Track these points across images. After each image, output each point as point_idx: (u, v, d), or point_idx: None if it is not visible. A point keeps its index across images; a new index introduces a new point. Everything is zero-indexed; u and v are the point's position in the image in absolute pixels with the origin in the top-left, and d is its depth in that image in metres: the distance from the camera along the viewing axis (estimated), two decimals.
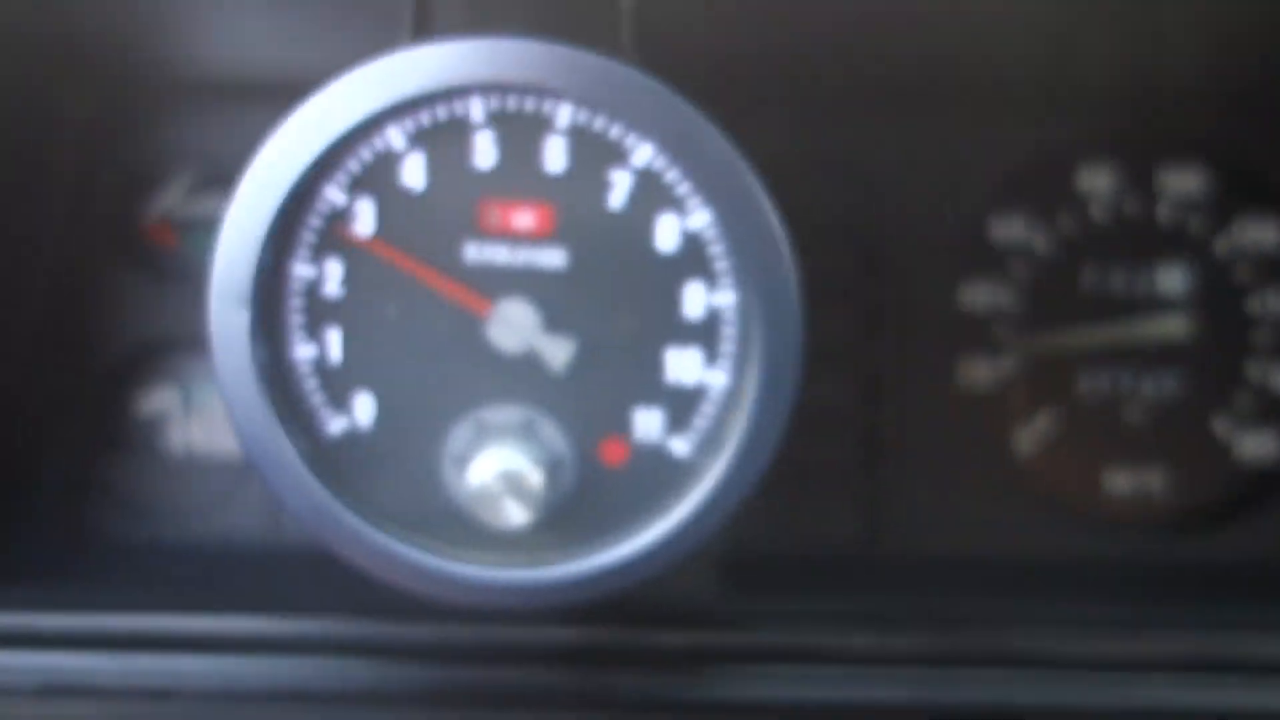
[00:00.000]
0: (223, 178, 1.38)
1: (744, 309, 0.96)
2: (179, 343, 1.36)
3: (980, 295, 1.39)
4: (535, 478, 0.95)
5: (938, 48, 1.26)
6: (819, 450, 1.36)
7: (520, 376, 0.98)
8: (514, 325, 0.96)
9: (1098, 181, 1.39)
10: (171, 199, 1.40)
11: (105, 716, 1.02)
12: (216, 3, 1.19)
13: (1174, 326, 1.36)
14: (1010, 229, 1.39)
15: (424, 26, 0.88)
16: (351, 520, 0.96)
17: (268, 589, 1.15)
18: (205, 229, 1.40)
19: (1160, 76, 1.33)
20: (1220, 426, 1.38)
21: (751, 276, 0.93)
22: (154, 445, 1.36)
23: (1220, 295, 1.38)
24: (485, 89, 0.89)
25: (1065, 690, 1.06)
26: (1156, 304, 1.37)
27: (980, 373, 1.39)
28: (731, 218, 0.92)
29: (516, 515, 0.95)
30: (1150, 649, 1.08)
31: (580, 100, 0.90)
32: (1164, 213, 1.38)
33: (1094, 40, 1.24)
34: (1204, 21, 1.19)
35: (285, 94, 0.93)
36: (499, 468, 0.95)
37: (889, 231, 1.38)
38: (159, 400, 1.38)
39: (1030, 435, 1.39)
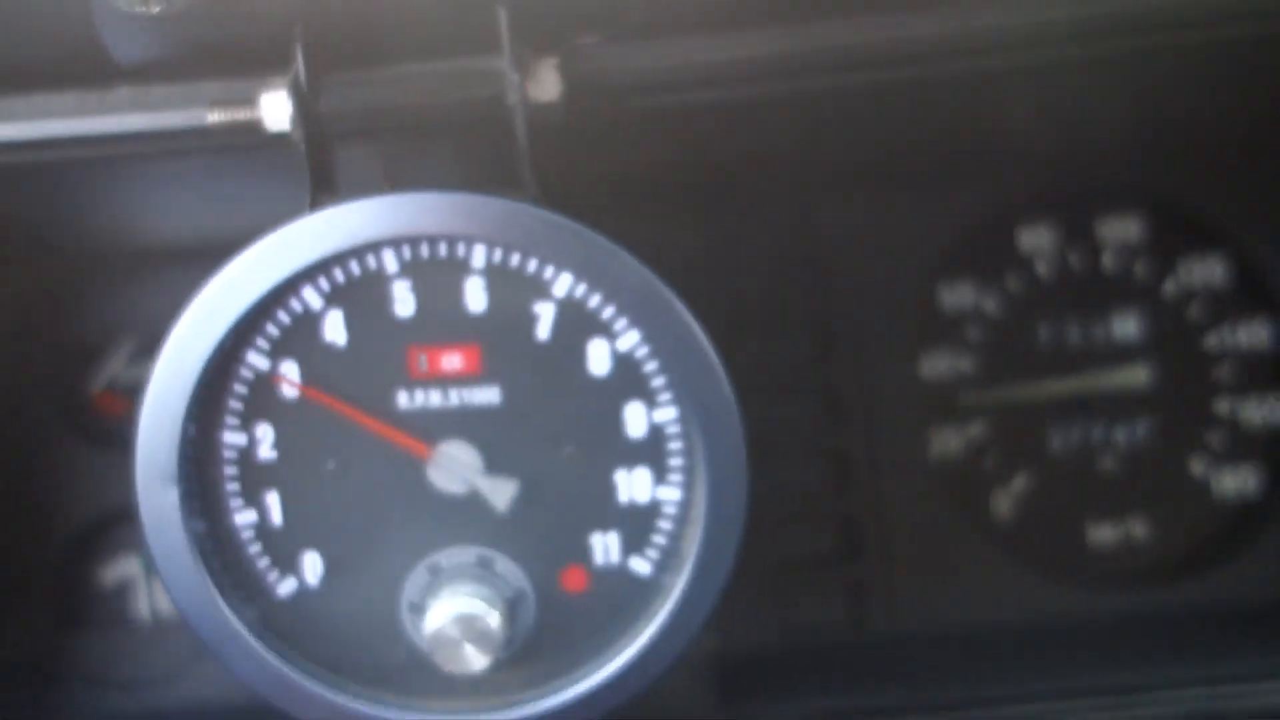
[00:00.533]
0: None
1: (685, 423, 0.95)
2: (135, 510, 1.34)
3: (940, 364, 1.38)
4: (493, 619, 0.93)
5: (865, 125, 1.26)
6: (797, 541, 1.33)
7: (470, 517, 0.96)
8: (455, 467, 0.95)
9: (1040, 239, 1.38)
10: (116, 367, 1.39)
11: None
12: (146, 176, 1.19)
13: (1135, 374, 1.35)
14: (960, 295, 1.39)
15: (323, 187, 0.87)
16: (307, 683, 0.94)
17: None
18: None
19: (1088, 132, 1.33)
20: (1197, 466, 1.36)
21: (686, 392, 0.91)
22: (119, 615, 1.34)
23: (1177, 336, 1.37)
24: (397, 242, 0.89)
25: None
26: (1115, 353, 1.36)
27: (950, 441, 1.37)
28: (657, 337, 0.91)
29: (476, 660, 0.93)
30: (1150, 714, 1.05)
31: (492, 243, 0.89)
32: (1109, 262, 1.38)
33: (1020, 103, 1.24)
34: (1123, 78, 1.19)
35: (221, 256, 0.92)
36: (454, 613, 0.93)
37: (840, 311, 1.37)
38: (121, 569, 1.36)
39: (1008, 497, 1.37)
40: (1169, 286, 1.37)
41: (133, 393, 1.37)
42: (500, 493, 0.94)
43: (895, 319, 1.37)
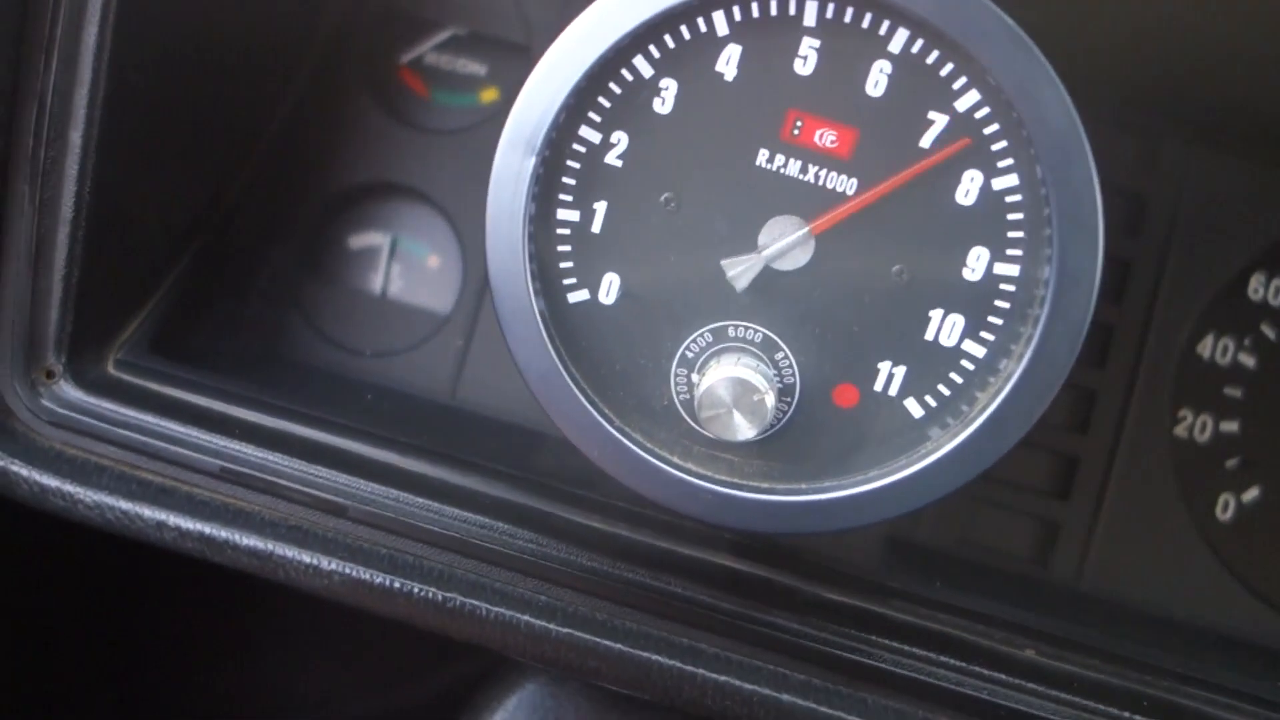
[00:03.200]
0: (486, 40, 1.40)
1: (1025, 285, 0.91)
2: (403, 190, 1.37)
3: (1222, 349, 1.32)
4: (769, 398, 0.92)
5: (1246, 79, 1.18)
6: (1017, 464, 1.30)
7: (775, 299, 0.95)
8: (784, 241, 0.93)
9: None
10: (431, 50, 1.40)
11: (278, 514, 1.03)
12: None
13: None
14: (1271, 290, 1.31)
15: None
16: (573, 391, 0.95)
17: (450, 441, 1.14)
18: (456, 86, 1.41)
19: None
20: None
21: (1056, 250, 0.87)
22: (355, 282, 1.37)
23: None
24: None
25: None
26: None
27: (1200, 427, 1.32)
28: (1050, 184, 0.86)
29: (743, 429, 0.93)
30: None
31: (923, 26, 0.85)
32: None
33: None
34: None
35: None
36: (734, 377, 0.92)
37: (1148, 257, 1.31)
38: (369, 239, 1.39)
39: (1235, 504, 1.31)
40: None
41: (439, 78, 1.40)
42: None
43: (1197, 286, 1.30)
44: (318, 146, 1.37)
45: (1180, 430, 1.32)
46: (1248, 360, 1.31)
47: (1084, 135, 0.84)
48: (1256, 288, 1.32)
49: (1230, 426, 1.32)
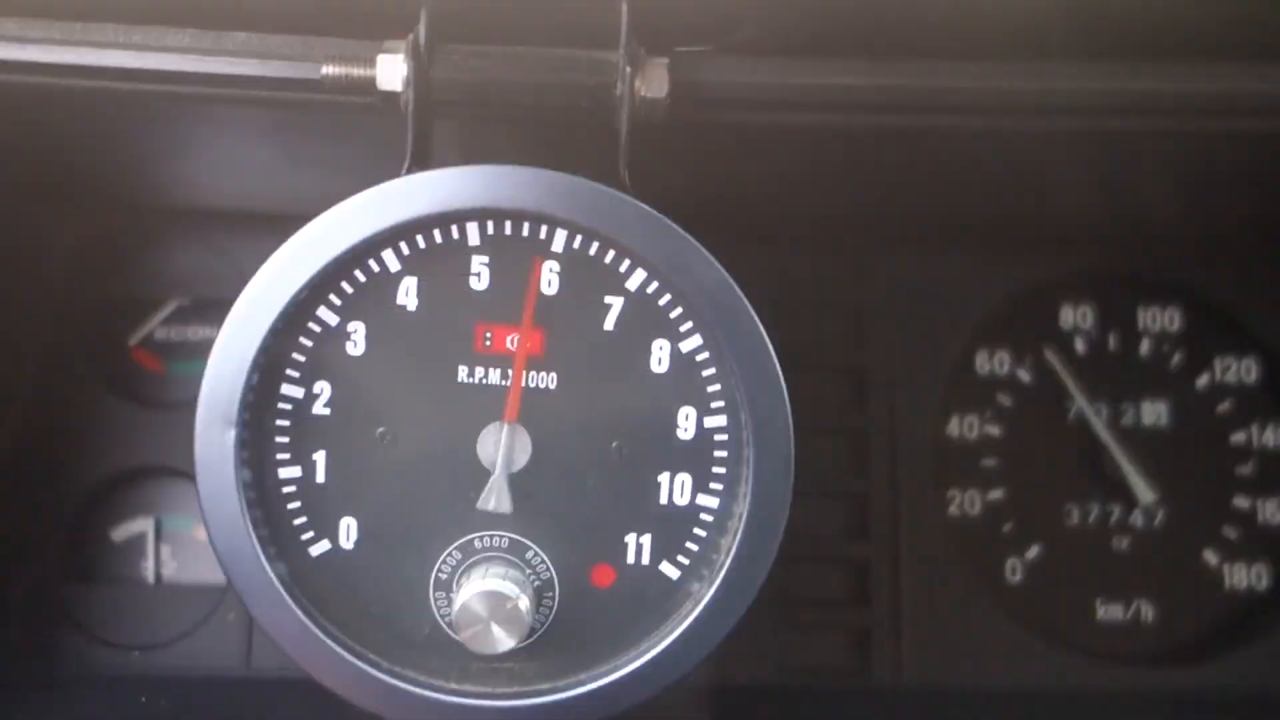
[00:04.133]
0: (211, 304, 1.41)
1: (735, 432, 0.96)
2: (155, 470, 1.35)
3: (968, 426, 1.40)
4: (523, 602, 0.93)
5: (926, 187, 1.29)
6: (808, 581, 1.34)
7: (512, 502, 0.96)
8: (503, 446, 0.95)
9: (1081, 317, 1.41)
10: (159, 325, 1.40)
11: None
12: (211, 134, 1.21)
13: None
14: (996, 361, 1.41)
15: (421, 159, 0.89)
16: (330, 646, 0.94)
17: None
18: (191, 355, 1.41)
19: (1139, 219, 1.37)
20: (1211, 558, 1.37)
21: (743, 399, 0.93)
22: (125, 574, 1.33)
23: (1204, 430, 1.39)
24: (483, 214, 0.91)
25: None
26: (1142, 437, 1.38)
27: (970, 503, 1.38)
28: (723, 341, 0.92)
29: (503, 641, 0.93)
30: None
31: (575, 226, 0.91)
32: (1146, 349, 1.40)
33: (1075, 182, 1.28)
34: (1177, 167, 1.23)
35: (276, 224, 0.94)
36: (485, 591, 0.93)
37: (877, 362, 1.39)
38: (132, 528, 1.36)
39: (1021, 565, 1.38)
40: (1201, 381, 1.40)
41: (173, 352, 1.40)
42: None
43: (930, 377, 1.39)
44: (58, 449, 1.34)
45: (953, 510, 1.39)
46: (994, 430, 1.40)
47: (739, 294, 0.90)
48: (982, 364, 1.41)
49: (996, 494, 1.39)
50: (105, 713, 1.13)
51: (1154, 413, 1.39)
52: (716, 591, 0.95)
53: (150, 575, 1.35)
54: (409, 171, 0.90)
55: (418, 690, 0.94)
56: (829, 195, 1.25)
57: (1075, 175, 1.21)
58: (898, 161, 1.14)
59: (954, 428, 1.40)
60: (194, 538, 1.36)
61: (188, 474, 1.33)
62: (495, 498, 0.94)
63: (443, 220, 0.91)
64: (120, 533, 1.36)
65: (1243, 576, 1.37)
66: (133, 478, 1.36)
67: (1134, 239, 1.40)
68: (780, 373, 0.92)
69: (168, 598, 1.34)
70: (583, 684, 0.96)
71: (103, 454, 1.35)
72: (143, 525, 1.37)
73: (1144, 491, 1.34)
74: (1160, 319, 1.41)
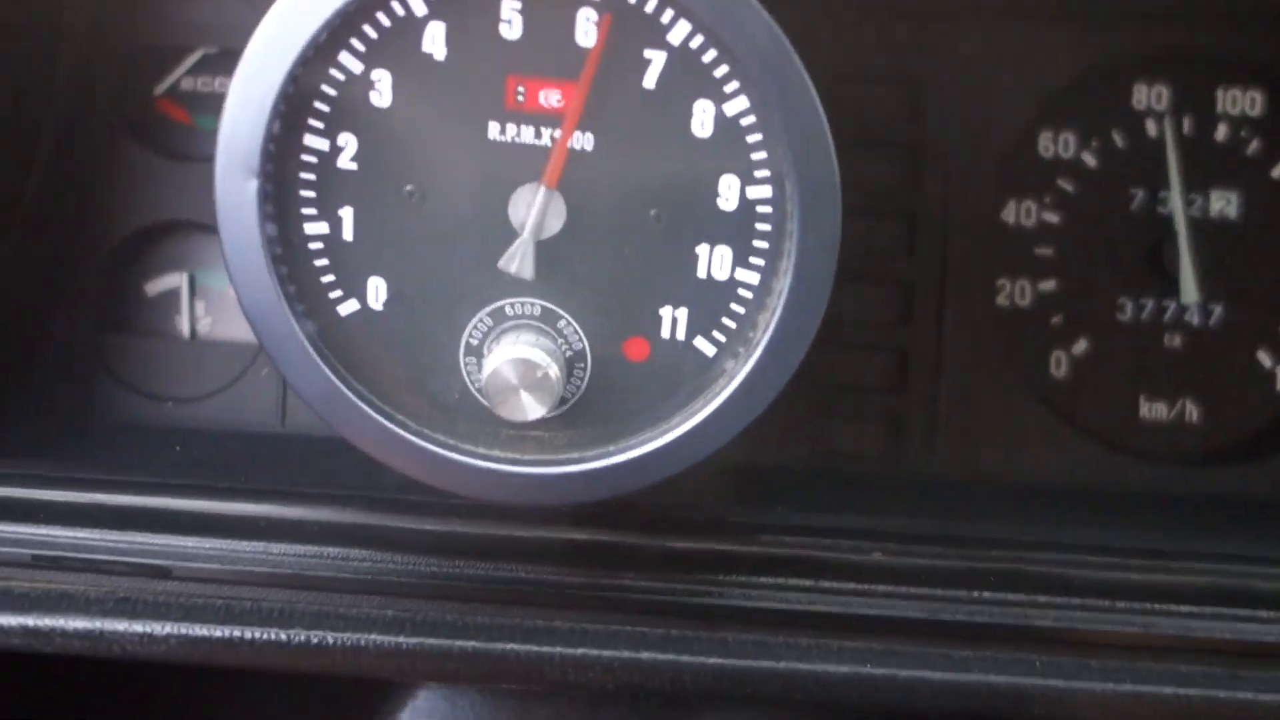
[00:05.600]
0: (238, 54, 1.34)
1: (779, 204, 0.91)
2: (187, 225, 1.32)
3: (1025, 212, 1.33)
4: (553, 370, 0.91)
5: None
6: (847, 366, 1.31)
7: (544, 269, 0.93)
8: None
9: (1155, 98, 1.32)
10: (185, 75, 1.34)
11: (102, 590, 1.00)
12: None
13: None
14: (1061, 145, 1.33)
15: None
16: (360, 406, 0.93)
17: (270, 475, 1.12)
18: (219, 107, 1.35)
19: None
20: (1265, 358, 1.33)
21: (790, 168, 0.87)
22: (159, 327, 1.33)
23: (1274, 223, 1.31)
24: None
25: (1085, 616, 1.02)
26: (1208, 230, 1.31)
27: (1019, 292, 1.34)
28: (772, 104, 0.86)
29: (532, 408, 0.91)
30: (1170, 580, 1.04)
31: None
32: (1222, 134, 1.31)
33: None
34: None
35: None
36: (514, 357, 0.91)
37: (934, 142, 1.31)
38: (165, 282, 1.34)
39: (1068, 359, 1.34)
40: (1278, 171, 1.31)
41: (200, 103, 1.35)
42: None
43: (990, 156, 1.31)
44: (85, 201, 1.31)
45: (1001, 299, 1.34)
46: (1052, 217, 1.33)
47: (791, 51, 0.83)
48: (1046, 145, 1.33)
49: (1048, 285, 1.33)
50: (141, 460, 1.15)
51: (1223, 202, 1.31)
52: (752, 369, 0.93)
53: (185, 330, 1.35)
54: None
55: (445, 453, 0.94)
56: None
57: None
58: None
59: (1010, 212, 1.33)
60: (228, 294, 1.34)
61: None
62: (519, 261, 0.90)
63: None
64: (154, 286, 1.35)
65: None
66: (165, 231, 1.34)
67: (1215, 15, 1.29)
68: (831, 142, 0.86)
69: (202, 353, 1.33)
70: (611, 455, 0.95)
71: (132, 207, 1.32)
72: (176, 280, 1.35)
73: (1190, 290, 1.28)
74: (1241, 102, 1.31)
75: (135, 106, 1.34)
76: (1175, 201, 1.29)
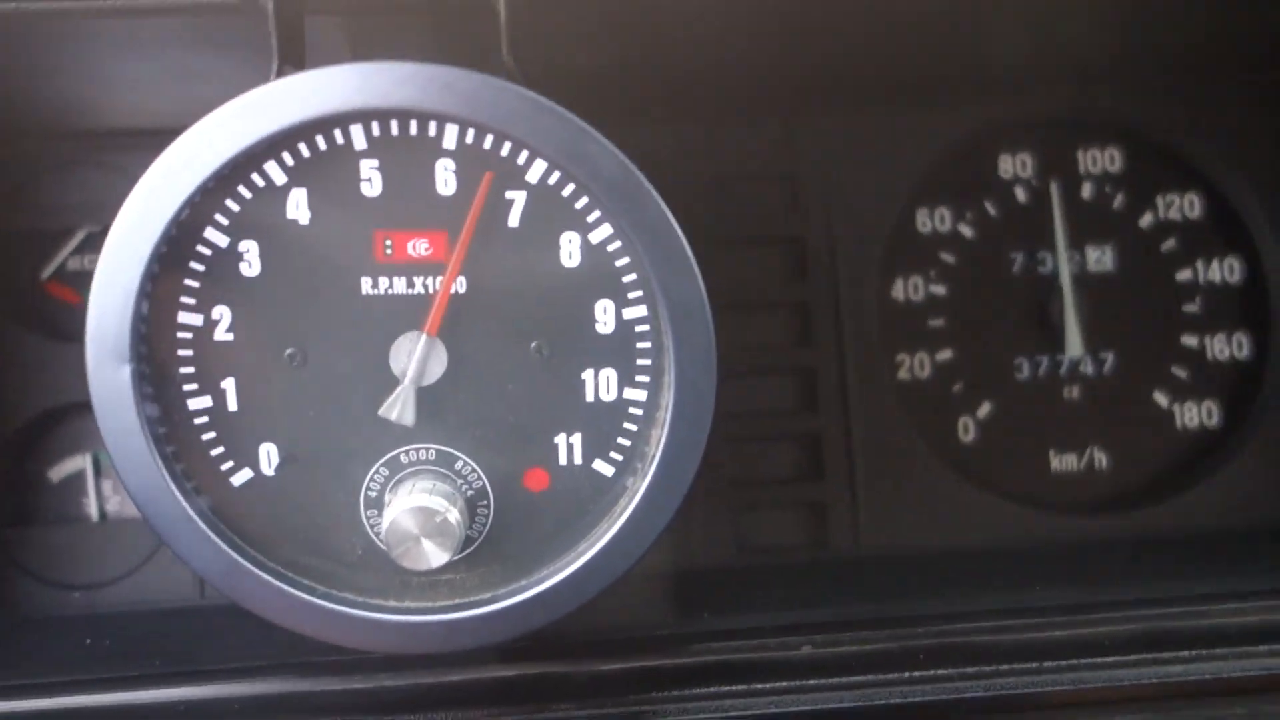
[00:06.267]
0: None
1: (655, 321, 0.92)
2: (85, 406, 1.30)
3: (913, 287, 1.37)
4: (452, 515, 0.91)
5: (848, 42, 1.23)
6: (760, 460, 1.33)
7: (432, 413, 0.93)
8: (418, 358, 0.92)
9: (1021, 166, 1.37)
10: (71, 255, 1.34)
11: None
12: (89, 50, 1.14)
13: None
14: (937, 218, 1.37)
15: (289, 58, 0.83)
16: (261, 576, 0.92)
17: (189, 654, 1.09)
18: None
19: (1073, 59, 1.32)
20: (1161, 398, 1.36)
21: (659, 287, 0.89)
22: (67, 512, 1.31)
23: (1149, 269, 1.36)
24: (362, 116, 0.85)
25: (1015, 681, 1.03)
26: (1089, 283, 1.35)
27: (919, 365, 1.36)
28: (629, 230, 0.88)
29: (435, 556, 0.91)
30: (1094, 633, 1.05)
31: (465, 121, 0.86)
32: (1088, 192, 1.37)
33: (1005, 24, 1.22)
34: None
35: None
36: (413, 507, 0.91)
37: (815, 229, 1.35)
38: (69, 466, 1.32)
39: (974, 423, 1.36)
40: (1145, 220, 1.37)
41: (83, 281, 1.35)
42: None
43: (870, 240, 1.35)
44: None
45: (903, 374, 1.36)
46: (939, 289, 1.37)
47: (642, 179, 0.86)
48: (924, 221, 1.37)
49: (945, 355, 1.37)
50: (53, 656, 1.12)
51: (1100, 257, 1.36)
52: (650, 484, 0.93)
53: (94, 512, 1.33)
54: (278, 75, 0.84)
55: (355, 612, 0.93)
56: (745, 56, 1.18)
57: (1006, 14, 1.15)
58: (820, 13, 1.08)
59: (899, 290, 1.37)
60: None
61: None
62: (399, 407, 0.90)
63: (321, 126, 0.85)
64: (58, 471, 1.33)
65: (1194, 414, 1.36)
66: (64, 415, 1.32)
67: (1068, 82, 1.35)
68: (692, 258, 0.88)
69: (114, 533, 1.31)
70: (524, 590, 0.94)
71: (28, 393, 1.31)
72: (80, 462, 1.33)
73: (1075, 344, 1.32)
74: (1101, 160, 1.37)
75: (23, 292, 1.33)
76: (1061, 259, 1.34)
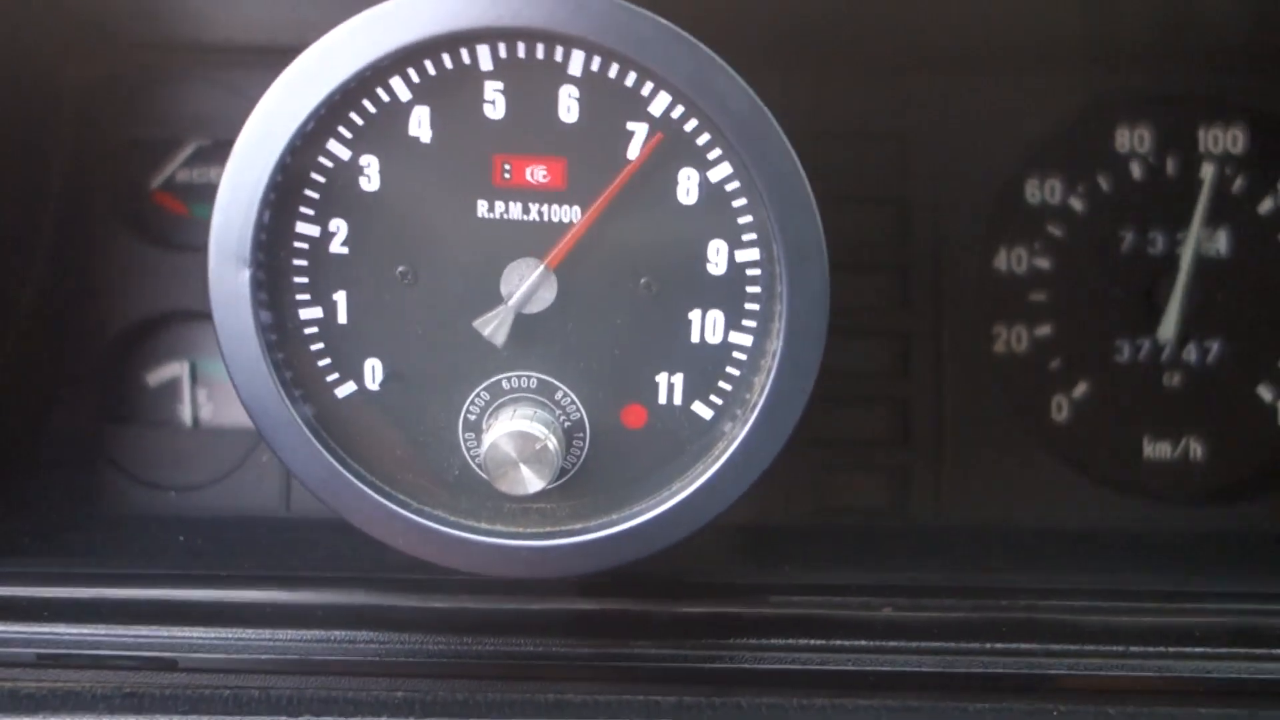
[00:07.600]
0: (231, 145, 1.36)
1: (768, 266, 0.91)
2: (186, 314, 1.33)
3: (1016, 259, 1.34)
4: (551, 443, 0.91)
5: (972, 5, 1.20)
6: (848, 421, 1.31)
7: (536, 341, 0.94)
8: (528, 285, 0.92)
9: (1138, 141, 1.33)
10: (180, 167, 1.36)
11: (109, 686, 0.99)
12: None
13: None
14: (1047, 190, 1.34)
15: None
16: (360, 488, 0.93)
17: (276, 560, 1.12)
18: (214, 195, 1.37)
19: (1200, 34, 1.27)
20: (1266, 392, 1.32)
21: (775, 232, 0.88)
22: (161, 417, 1.34)
23: (1266, 258, 1.32)
24: (490, 35, 0.85)
25: (1100, 663, 1.01)
26: (1199, 268, 1.31)
27: (1016, 339, 1.34)
28: (753, 170, 0.87)
29: (532, 482, 0.91)
30: (1185, 622, 1.03)
31: (592, 46, 0.85)
32: (1206, 173, 1.32)
33: None
34: None
35: (291, 59, 0.89)
36: (513, 433, 0.91)
37: (922, 195, 1.33)
38: (167, 372, 1.35)
39: (1068, 403, 1.34)
40: (1265, 206, 1.32)
41: (195, 194, 1.37)
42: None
43: (978, 207, 1.33)
44: (86, 295, 1.32)
45: (999, 347, 1.34)
46: (1043, 263, 1.34)
47: (770, 117, 0.85)
48: (1033, 192, 1.34)
49: (1044, 330, 1.34)
50: (145, 552, 1.15)
51: (1212, 241, 1.32)
52: (750, 431, 0.93)
53: (188, 418, 1.35)
54: None
55: (448, 530, 0.94)
56: (862, 10, 1.16)
57: None
58: None
59: (1001, 261, 1.34)
60: (229, 381, 1.35)
61: None
62: (494, 325, 0.91)
63: (449, 43, 0.85)
64: (155, 376, 1.36)
65: None
66: (165, 322, 1.35)
67: (1195, 56, 1.30)
68: (814, 202, 0.87)
69: (205, 440, 1.34)
70: (615, 524, 0.95)
71: (132, 299, 1.33)
72: (177, 369, 1.36)
73: (1168, 326, 1.29)
74: (1223, 140, 1.33)
75: (132, 200, 1.36)
76: (1189, 242, 1.30)
